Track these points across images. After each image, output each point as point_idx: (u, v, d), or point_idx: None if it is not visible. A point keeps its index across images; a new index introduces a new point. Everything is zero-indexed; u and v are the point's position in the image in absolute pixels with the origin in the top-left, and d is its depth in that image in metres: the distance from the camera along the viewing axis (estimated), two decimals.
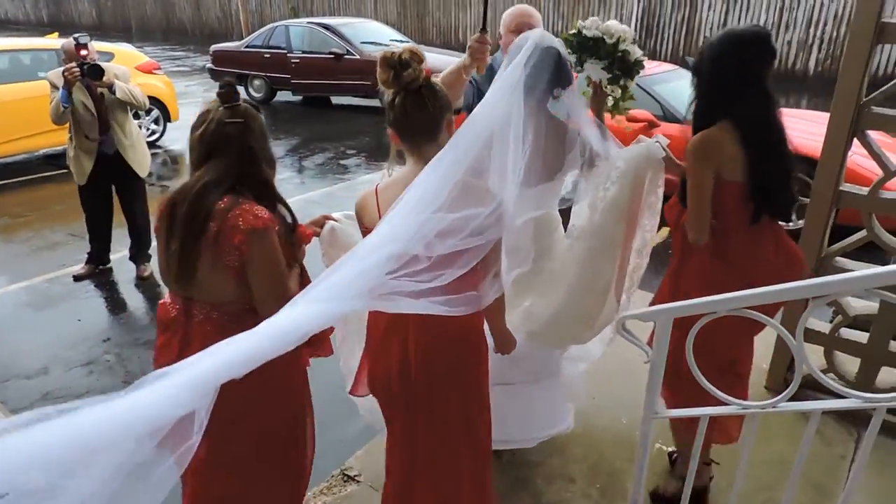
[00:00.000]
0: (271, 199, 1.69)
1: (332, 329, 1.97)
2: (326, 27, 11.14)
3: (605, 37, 2.11)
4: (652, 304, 2.36)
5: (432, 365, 1.71)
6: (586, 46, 2.13)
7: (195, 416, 1.10)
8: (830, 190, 2.70)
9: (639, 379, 2.85)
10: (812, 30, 13.90)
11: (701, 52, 2.03)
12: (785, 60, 14.32)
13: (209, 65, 12.37)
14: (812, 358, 3.14)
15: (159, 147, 8.46)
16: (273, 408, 1.74)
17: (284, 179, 7.53)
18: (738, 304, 1.44)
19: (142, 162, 4.42)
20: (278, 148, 8.95)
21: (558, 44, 2.02)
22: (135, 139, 4.33)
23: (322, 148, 8.89)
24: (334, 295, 1.33)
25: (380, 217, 1.60)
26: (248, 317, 1.60)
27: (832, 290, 1.35)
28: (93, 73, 3.97)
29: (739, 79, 1.92)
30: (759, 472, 2.58)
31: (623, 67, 2.15)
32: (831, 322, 3.02)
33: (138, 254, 4.77)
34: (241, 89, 11.99)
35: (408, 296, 1.44)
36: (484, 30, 2.28)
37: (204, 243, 1.57)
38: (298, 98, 12.36)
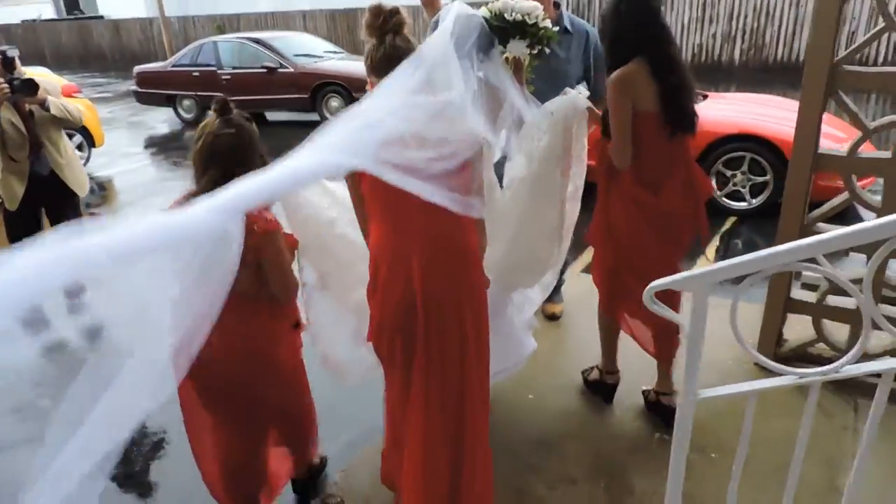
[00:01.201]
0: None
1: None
2: (257, 41, 10.77)
3: (525, 18, 2.24)
4: (588, 238, 2.61)
5: (440, 290, 1.78)
6: (511, 28, 2.26)
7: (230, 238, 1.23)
8: (809, 155, 2.62)
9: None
10: (734, 22, 14.39)
11: (603, 11, 2.40)
12: (711, 52, 14.77)
13: (134, 87, 11.78)
14: (799, 329, 3.11)
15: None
16: (275, 390, 2.00)
17: None
18: (776, 260, 1.28)
19: (80, 179, 4.11)
20: None
21: (477, 16, 2.09)
22: (70, 157, 4.04)
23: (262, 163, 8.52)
24: (342, 149, 1.40)
25: None
26: (254, 301, 1.85)
27: (882, 235, 1.19)
28: (25, 88, 3.57)
29: (638, 20, 2.25)
30: (766, 452, 2.45)
31: (542, 40, 2.32)
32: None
33: None
34: (169, 109, 11.64)
35: (415, 175, 1.52)
36: None
37: None
38: None
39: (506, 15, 2.24)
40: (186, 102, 11.39)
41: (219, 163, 1.78)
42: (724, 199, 5.61)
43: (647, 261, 2.42)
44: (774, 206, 5.38)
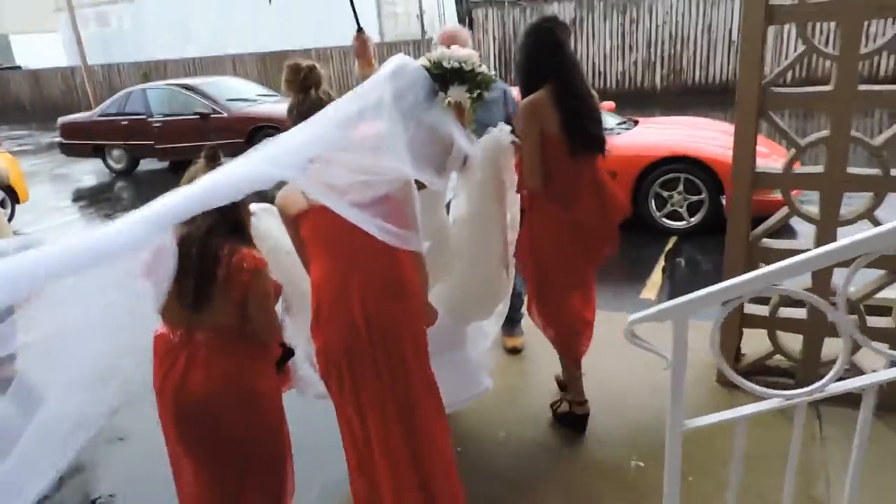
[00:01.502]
0: (249, 242, 1.94)
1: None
2: (188, 87, 10.56)
3: (462, 65, 2.39)
4: (516, 255, 2.73)
5: (382, 319, 1.88)
6: (450, 75, 2.40)
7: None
8: (748, 173, 2.73)
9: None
10: (652, 49, 15.10)
11: (517, 45, 2.66)
12: (633, 79, 15.42)
13: (58, 138, 11.33)
14: (754, 343, 3.20)
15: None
16: (256, 429, 1.98)
17: None
18: (753, 285, 1.31)
19: (7, 235, 3.87)
20: None
21: (419, 67, 2.22)
22: None
23: None
24: (279, 161, 1.51)
25: (307, 202, 1.86)
26: (238, 336, 1.92)
27: (878, 246, 1.23)
28: None
29: (542, 53, 2.51)
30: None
31: (479, 84, 2.47)
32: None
33: None
34: (97, 161, 11.23)
35: (342, 197, 1.67)
36: (360, 30, 2.68)
37: (214, 283, 1.83)
38: (164, 164, 11.59)
39: (444, 63, 2.37)
40: (116, 152, 11.02)
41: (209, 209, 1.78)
42: (663, 219, 5.79)
43: (565, 273, 2.68)
44: (712, 223, 5.62)
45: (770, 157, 5.58)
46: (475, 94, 2.45)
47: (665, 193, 5.73)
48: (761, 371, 2.98)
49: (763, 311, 2.93)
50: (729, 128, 6.79)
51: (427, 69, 2.32)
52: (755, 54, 2.62)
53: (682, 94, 14.74)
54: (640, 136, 6.27)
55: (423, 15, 18.67)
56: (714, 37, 14.44)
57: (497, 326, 2.91)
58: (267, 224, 2.24)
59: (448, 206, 2.73)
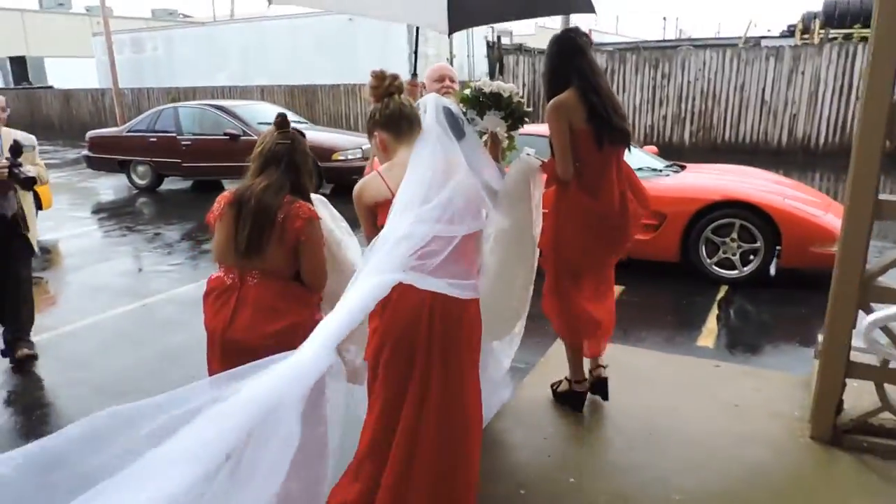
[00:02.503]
0: (309, 200, 2.20)
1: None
2: (220, 108, 10.51)
3: (501, 92, 2.69)
4: (540, 244, 2.86)
5: (449, 309, 2.03)
6: (487, 100, 2.68)
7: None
8: (870, 202, 2.45)
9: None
10: (683, 104, 15.05)
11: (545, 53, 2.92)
12: (662, 133, 15.33)
13: (86, 152, 11.26)
14: (863, 397, 2.87)
15: None
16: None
17: (182, 265, 6.64)
18: None
19: (34, 236, 4.21)
20: (173, 232, 8.03)
21: (449, 103, 2.36)
22: (31, 211, 4.17)
23: None
24: (384, 269, 1.84)
25: (391, 192, 2.04)
26: (288, 281, 2.15)
27: None
28: (22, 183, 3.82)
29: (566, 57, 2.75)
30: None
31: (516, 117, 2.74)
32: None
33: (25, 330, 4.25)
34: (122, 176, 11.14)
35: (430, 273, 1.96)
36: (415, 75, 3.06)
37: (272, 225, 2.08)
38: (187, 185, 11.47)
39: (484, 88, 2.70)
40: (141, 168, 10.92)
41: (275, 166, 2.14)
42: (714, 266, 5.49)
43: (584, 258, 2.86)
44: (763, 274, 5.32)
45: (825, 216, 5.33)
46: (511, 125, 2.74)
47: (717, 240, 5.45)
48: (864, 430, 2.64)
49: (872, 360, 2.61)
50: (779, 178, 6.58)
51: (467, 94, 2.69)
52: (889, 72, 2.36)
53: (711, 151, 14.59)
54: (691, 179, 6.04)
55: (453, 59, 18.85)
56: (746, 95, 14.37)
57: (512, 349, 3.04)
58: (320, 213, 2.36)
59: None
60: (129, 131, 10.93)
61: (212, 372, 2.14)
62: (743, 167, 6.82)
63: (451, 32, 3.40)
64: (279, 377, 1.46)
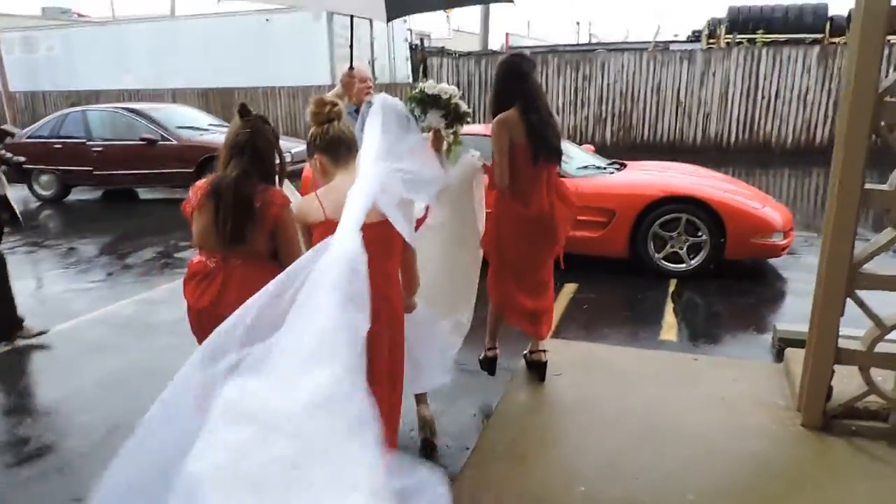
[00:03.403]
0: (274, 184, 2.32)
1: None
2: (134, 112, 9.83)
3: (440, 94, 2.95)
4: (482, 243, 3.17)
5: (392, 307, 2.25)
6: (428, 100, 2.94)
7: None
8: (857, 191, 2.48)
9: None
10: (604, 106, 15.50)
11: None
12: (585, 133, 15.72)
13: None
14: (848, 381, 2.92)
15: None
16: None
17: (102, 281, 6.11)
18: None
19: None
20: (88, 247, 7.39)
21: (397, 102, 2.48)
22: None
23: (146, 243, 7.51)
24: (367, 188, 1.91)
25: (324, 216, 2.14)
26: (269, 261, 2.25)
27: None
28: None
29: (510, 81, 3.08)
30: None
31: (455, 116, 2.99)
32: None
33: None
34: (22, 187, 10.19)
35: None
36: (351, 68, 3.43)
37: (252, 215, 2.20)
38: (97, 195, 10.66)
39: (426, 89, 2.95)
40: (44, 178, 10.06)
41: (239, 156, 2.22)
42: (662, 261, 5.58)
43: (521, 259, 3.17)
44: (708, 267, 5.46)
45: (764, 208, 5.54)
46: (450, 122, 2.98)
47: (665, 234, 5.54)
48: (853, 414, 2.69)
49: (858, 345, 2.65)
50: (713, 174, 6.81)
51: (412, 95, 2.95)
52: (875, 56, 2.38)
53: (631, 150, 15.08)
54: (636, 177, 6.14)
55: (374, 61, 18.60)
56: (662, 96, 14.96)
57: (461, 336, 3.20)
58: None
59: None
60: (29, 137, 10.01)
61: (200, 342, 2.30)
62: (679, 164, 7.01)
63: (388, 20, 3.67)
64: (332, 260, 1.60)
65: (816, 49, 13.61)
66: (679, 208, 5.47)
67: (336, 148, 2.25)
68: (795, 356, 3.12)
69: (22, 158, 3.85)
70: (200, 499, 1.24)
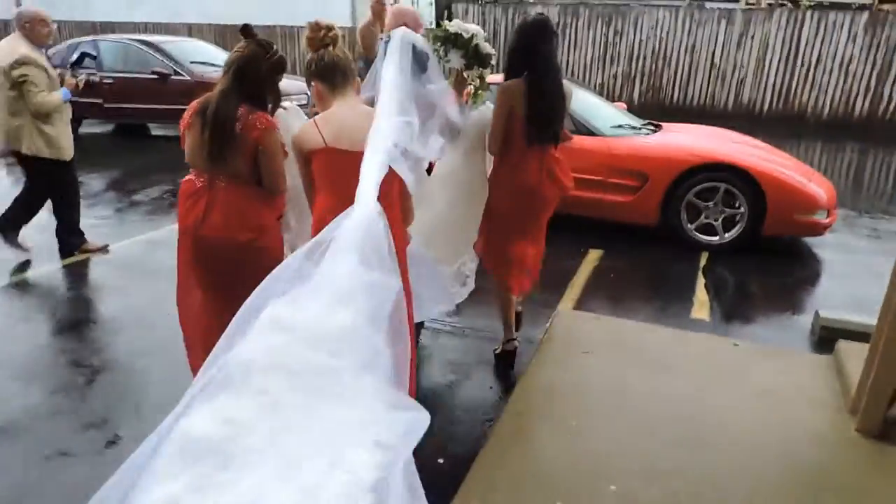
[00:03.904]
0: (265, 110, 2.32)
1: None
2: (147, 44, 9.46)
3: (462, 33, 2.82)
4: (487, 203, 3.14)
5: None
6: (449, 39, 2.83)
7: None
8: None
9: None
10: (634, 63, 14.85)
11: None
12: (612, 92, 15.12)
13: None
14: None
15: None
16: (262, 257, 2.37)
17: (108, 218, 5.89)
18: None
19: None
20: (96, 181, 7.15)
21: (417, 38, 2.43)
22: None
23: (155, 181, 7.25)
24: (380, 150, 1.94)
25: (324, 143, 2.13)
26: (252, 185, 2.34)
27: None
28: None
29: (524, 51, 2.91)
30: None
31: (477, 57, 2.89)
32: None
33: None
34: None
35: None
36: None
37: (230, 136, 2.23)
38: (109, 128, 10.38)
39: (448, 27, 2.86)
40: None
41: (227, 73, 2.24)
42: (694, 232, 5.26)
43: (511, 225, 3.09)
44: (744, 241, 5.13)
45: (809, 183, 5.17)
46: (470, 64, 2.90)
47: (701, 204, 5.20)
48: None
49: None
50: (755, 142, 6.40)
51: (436, 34, 2.83)
52: None
53: (660, 112, 14.51)
54: (674, 140, 5.75)
55: (396, 2, 17.92)
56: (697, 58, 14.29)
57: (467, 288, 3.24)
58: (290, 124, 2.53)
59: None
60: None
61: (181, 263, 2.45)
62: (718, 129, 6.59)
63: None
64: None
65: (865, 15, 12.84)
66: (718, 176, 5.12)
67: (332, 74, 2.20)
68: (849, 351, 2.85)
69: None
70: (244, 378, 1.44)
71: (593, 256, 5.11)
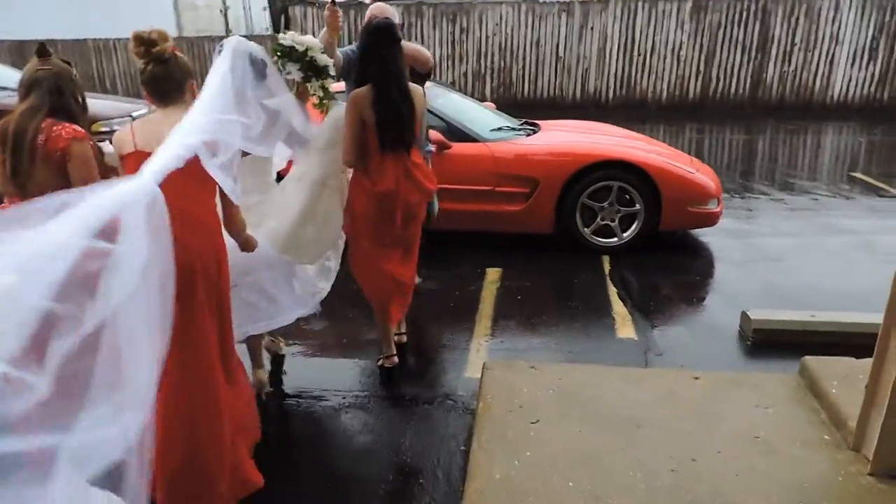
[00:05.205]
0: (77, 123, 2.21)
1: None
2: None
3: (297, 46, 2.89)
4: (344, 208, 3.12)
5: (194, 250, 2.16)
6: (285, 53, 2.89)
7: None
8: None
9: None
10: (482, 61, 14.75)
11: None
12: (464, 89, 14.91)
13: None
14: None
15: None
16: None
17: None
18: None
19: None
20: None
21: (253, 46, 2.64)
22: None
23: None
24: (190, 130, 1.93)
25: (134, 146, 2.16)
26: None
27: None
28: None
29: (367, 57, 2.95)
30: None
31: (313, 69, 2.95)
32: None
33: None
34: None
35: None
36: (334, 3, 3.07)
37: (31, 150, 2.11)
38: None
39: (282, 41, 2.88)
40: None
41: (36, 91, 2.17)
42: (592, 236, 4.92)
43: (377, 231, 3.07)
44: (645, 239, 4.88)
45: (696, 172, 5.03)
46: (307, 76, 2.94)
47: (595, 205, 4.86)
48: None
49: None
50: (629, 133, 6.23)
51: (274, 47, 2.87)
52: None
53: (514, 107, 14.51)
54: (560, 139, 5.39)
55: (227, 11, 16.53)
56: (542, 52, 14.47)
57: (328, 282, 3.20)
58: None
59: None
60: None
61: None
62: (596, 123, 6.37)
63: None
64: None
65: (689, 3, 13.63)
66: (610, 174, 4.80)
67: (153, 85, 2.24)
68: (820, 371, 2.53)
69: None
70: None
71: (493, 276, 4.59)
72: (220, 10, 16.29)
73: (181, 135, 1.87)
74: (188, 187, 2.05)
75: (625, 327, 3.77)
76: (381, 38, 2.88)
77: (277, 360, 3.47)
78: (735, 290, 4.31)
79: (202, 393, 2.11)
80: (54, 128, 2.12)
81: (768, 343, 3.46)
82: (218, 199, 2.28)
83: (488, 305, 4.12)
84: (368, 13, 3.36)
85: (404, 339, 3.55)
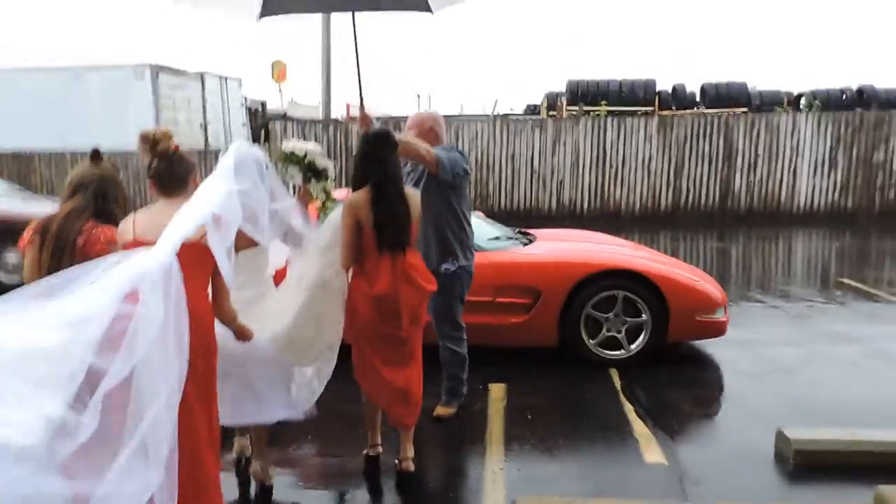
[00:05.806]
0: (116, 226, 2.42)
1: None
2: None
3: (296, 151, 3.15)
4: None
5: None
6: (287, 158, 3.15)
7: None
8: None
9: None
10: None
11: None
12: None
13: None
14: None
15: None
16: None
17: None
18: None
19: None
20: None
21: (255, 151, 2.66)
22: None
23: None
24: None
25: (133, 235, 2.27)
26: None
27: None
28: None
29: (367, 161, 3.08)
30: None
31: (313, 171, 3.19)
32: None
33: None
34: None
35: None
36: (362, 107, 3.48)
37: (71, 252, 2.32)
38: None
39: (285, 149, 3.18)
40: None
41: (81, 192, 2.44)
42: (598, 348, 4.68)
43: (378, 336, 3.08)
44: (652, 351, 4.65)
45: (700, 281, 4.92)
46: (308, 178, 3.19)
47: (600, 316, 4.66)
48: None
49: None
50: (624, 242, 6.17)
51: (280, 155, 3.17)
52: None
53: (491, 218, 14.66)
54: (561, 248, 5.27)
55: (207, 126, 16.79)
56: (517, 165, 14.85)
57: (321, 384, 3.13)
58: None
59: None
60: None
61: None
62: (591, 233, 6.30)
63: (261, 17, 3.48)
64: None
65: (655, 119, 14.30)
66: (614, 284, 4.64)
67: (158, 179, 2.38)
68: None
69: None
70: None
71: (497, 393, 4.27)
72: (201, 125, 16.50)
73: (190, 208, 2.04)
74: (184, 276, 2.10)
75: (651, 450, 3.44)
76: (380, 143, 3.06)
77: (265, 490, 3.06)
78: (757, 404, 4.05)
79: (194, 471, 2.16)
80: (94, 231, 2.34)
81: (811, 465, 3.17)
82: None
83: (497, 427, 3.78)
84: (410, 121, 3.80)
85: (412, 466, 3.22)
